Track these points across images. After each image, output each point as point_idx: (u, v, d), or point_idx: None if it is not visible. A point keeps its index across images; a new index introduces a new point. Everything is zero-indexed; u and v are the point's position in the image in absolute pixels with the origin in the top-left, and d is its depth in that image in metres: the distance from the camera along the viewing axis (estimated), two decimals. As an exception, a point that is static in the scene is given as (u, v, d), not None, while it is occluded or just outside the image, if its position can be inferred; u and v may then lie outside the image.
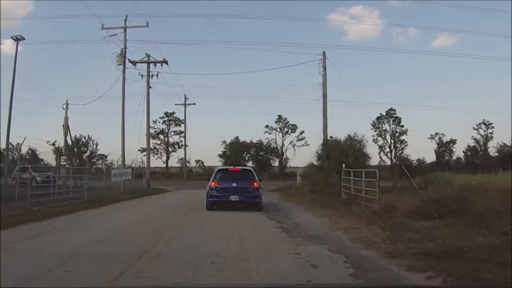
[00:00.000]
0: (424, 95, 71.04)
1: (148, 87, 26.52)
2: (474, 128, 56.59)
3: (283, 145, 54.43)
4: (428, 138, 57.69)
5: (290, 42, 75.41)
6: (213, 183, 13.79)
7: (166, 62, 26.36)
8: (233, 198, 13.34)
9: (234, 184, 13.53)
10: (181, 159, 56.95)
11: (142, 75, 26.60)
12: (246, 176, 14.18)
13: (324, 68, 23.06)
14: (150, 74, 26.70)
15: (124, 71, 23.10)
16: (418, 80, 71.09)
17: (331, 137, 23.11)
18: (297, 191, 20.52)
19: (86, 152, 61.72)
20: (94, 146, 62.17)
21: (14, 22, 57.69)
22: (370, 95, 69.37)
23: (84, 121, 77.97)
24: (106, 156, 60.89)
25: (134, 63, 26.12)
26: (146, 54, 26.43)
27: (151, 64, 26.73)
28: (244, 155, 55.09)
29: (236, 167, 16.79)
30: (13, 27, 64.46)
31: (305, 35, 60.62)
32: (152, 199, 19.13)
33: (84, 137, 61.12)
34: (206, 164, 57.37)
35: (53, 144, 58.56)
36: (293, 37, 65.59)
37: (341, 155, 19.32)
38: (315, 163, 22.40)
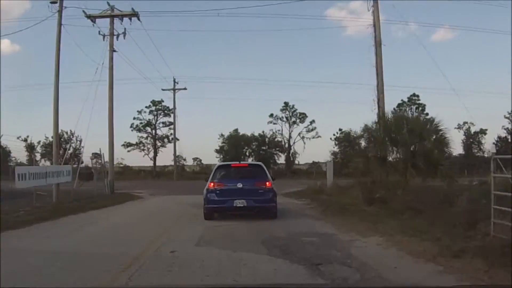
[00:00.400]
0: (451, 79, 63.07)
1: (112, 50, 18.81)
2: (505, 117, 49.00)
3: (290, 137, 46.68)
4: (455, 128, 50.04)
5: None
6: (212, 184, 10.90)
7: (137, 16, 18.68)
8: (239, 203, 10.46)
9: (240, 185, 10.68)
10: (177, 156, 49.63)
11: (104, 35, 18.88)
12: (255, 174, 11.20)
13: (375, -1, 15.11)
14: (116, 33, 19.01)
15: (60, 11, 15.22)
16: (443, 63, 63.08)
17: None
18: (341, 199, 12.86)
19: (69, 149, 54.63)
20: (78, 142, 55.00)
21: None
22: (389, 78, 61.43)
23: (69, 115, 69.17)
24: (99, 155, 53.76)
25: (92, 17, 18.44)
26: (108, 4, 18.72)
27: (118, 23, 19.08)
28: (244, 150, 47.54)
29: (241, 162, 14.15)
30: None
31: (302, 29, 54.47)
32: (78, 220, 10.58)
33: (66, 133, 54.12)
34: (204, 162, 50.52)
35: (25, 140, 51.66)
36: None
37: (412, 138, 11.68)
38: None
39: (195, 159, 52.46)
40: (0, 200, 10.44)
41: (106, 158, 21.05)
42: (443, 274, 4.66)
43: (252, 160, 43.43)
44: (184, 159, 49.40)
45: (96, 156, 54.07)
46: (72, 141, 54.24)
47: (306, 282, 4.50)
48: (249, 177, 10.93)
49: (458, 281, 4.21)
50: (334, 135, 46.61)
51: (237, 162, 13.31)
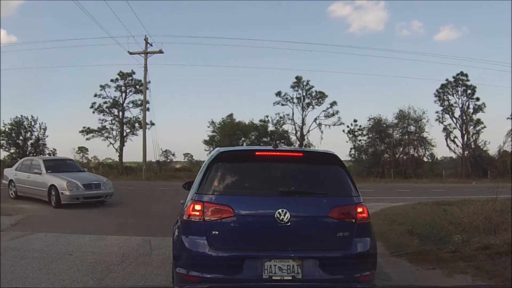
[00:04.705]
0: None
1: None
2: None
3: (303, 124, 35.63)
4: (508, 118, 39.25)
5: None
6: (198, 207, 3.56)
7: None
8: (279, 269, 3.41)
9: (283, 215, 3.48)
10: (165, 151, 38.92)
11: None
12: (324, 181, 3.89)
13: None
14: None
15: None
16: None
17: None
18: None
19: (30, 138, 43.78)
20: (42, 131, 44.04)
21: None
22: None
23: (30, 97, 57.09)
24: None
25: None
26: None
27: None
28: (241, 141, 36.66)
29: (281, 147, 5.41)
30: None
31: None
32: None
33: (27, 118, 43.18)
34: (196, 157, 40.94)
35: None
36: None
37: None
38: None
39: (186, 154, 42.45)
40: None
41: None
42: None
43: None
44: (173, 154, 39.27)
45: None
46: (34, 129, 43.87)
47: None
48: (306, 192, 3.79)
49: None
50: (348, 127, 35.88)
51: (270, 148, 4.13)
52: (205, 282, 3.48)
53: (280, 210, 3.50)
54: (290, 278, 3.45)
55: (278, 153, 4.03)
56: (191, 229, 3.60)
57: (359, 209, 3.70)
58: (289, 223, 3.49)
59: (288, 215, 3.50)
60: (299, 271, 3.46)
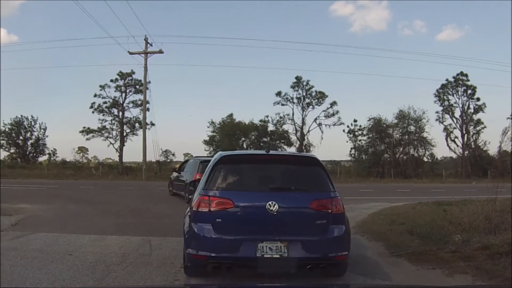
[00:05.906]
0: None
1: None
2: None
3: (303, 124, 35.62)
4: (508, 118, 39.22)
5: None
6: (205, 200, 4.46)
7: None
8: (270, 249, 4.26)
9: (273, 206, 4.36)
10: (165, 151, 38.88)
11: None
12: (306, 180, 4.80)
13: None
14: None
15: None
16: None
17: None
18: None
19: (30, 138, 43.81)
20: (42, 131, 44.07)
21: None
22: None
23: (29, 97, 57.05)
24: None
25: None
26: None
27: None
28: (241, 141, 36.69)
29: (272, 151, 5.85)
30: None
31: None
32: None
33: (27, 118, 43.21)
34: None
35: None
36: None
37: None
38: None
39: (186, 154, 42.43)
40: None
41: None
42: None
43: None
44: (173, 154, 39.26)
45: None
46: (34, 129, 43.84)
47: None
48: (291, 188, 4.72)
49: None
50: (348, 127, 35.93)
51: (263, 152, 5.18)
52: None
53: (270, 202, 4.33)
54: (278, 256, 4.23)
55: (269, 157, 5.04)
56: (199, 218, 4.42)
57: (334, 202, 4.51)
58: (277, 213, 4.32)
59: (276, 206, 4.32)
60: (285, 251, 4.27)
